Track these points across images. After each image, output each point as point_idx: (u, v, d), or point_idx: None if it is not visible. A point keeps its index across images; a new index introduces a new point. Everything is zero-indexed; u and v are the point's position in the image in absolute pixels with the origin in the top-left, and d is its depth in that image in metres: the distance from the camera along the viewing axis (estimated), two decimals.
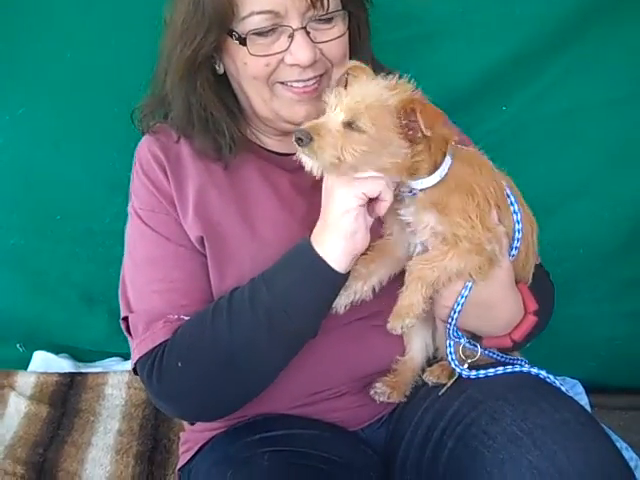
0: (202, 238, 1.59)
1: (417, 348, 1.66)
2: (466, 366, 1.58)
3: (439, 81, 2.05)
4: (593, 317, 2.44)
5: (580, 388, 2.43)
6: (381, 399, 1.63)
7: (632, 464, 2.07)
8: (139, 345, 1.55)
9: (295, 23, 1.51)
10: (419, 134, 1.34)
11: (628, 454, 2.14)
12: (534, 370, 1.58)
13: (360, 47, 1.68)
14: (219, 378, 1.52)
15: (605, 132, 2.21)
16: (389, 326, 1.45)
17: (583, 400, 2.37)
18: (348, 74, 1.45)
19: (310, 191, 1.64)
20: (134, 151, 1.72)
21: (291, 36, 1.52)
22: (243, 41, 1.52)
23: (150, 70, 1.68)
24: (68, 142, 2.25)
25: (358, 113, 1.33)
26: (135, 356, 1.57)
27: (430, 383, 1.63)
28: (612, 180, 2.25)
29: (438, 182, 1.41)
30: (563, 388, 1.56)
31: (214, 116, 1.63)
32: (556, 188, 2.24)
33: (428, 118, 1.31)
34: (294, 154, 1.66)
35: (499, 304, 1.53)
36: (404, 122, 1.34)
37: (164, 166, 1.65)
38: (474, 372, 1.57)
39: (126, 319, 1.61)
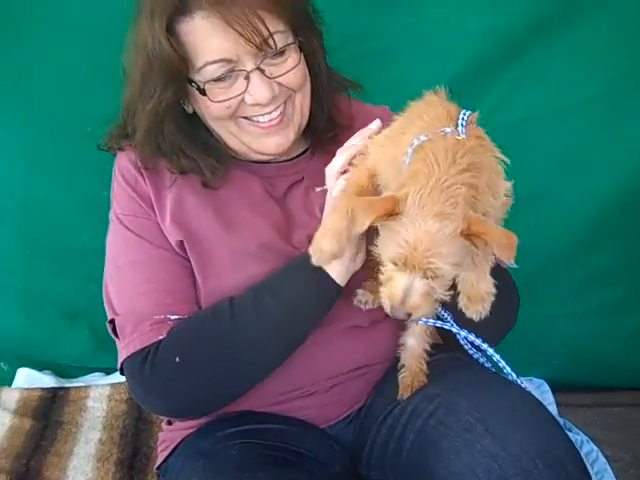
0: (182, 242, 1.64)
1: None
2: None
3: (394, 95, 2.10)
4: (555, 316, 2.51)
5: (546, 387, 2.51)
6: (367, 306, 1.64)
7: (593, 455, 2.17)
8: (127, 345, 1.59)
9: (249, 65, 1.54)
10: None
11: (589, 446, 2.21)
12: (489, 352, 1.59)
13: (318, 69, 1.71)
14: (216, 375, 1.58)
15: (558, 138, 2.29)
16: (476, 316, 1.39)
17: (549, 399, 2.45)
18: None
19: (282, 198, 1.73)
20: (109, 169, 1.77)
21: (247, 78, 1.55)
22: (202, 91, 1.56)
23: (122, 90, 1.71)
24: (42, 162, 2.28)
25: (433, 268, 1.24)
26: (123, 355, 1.60)
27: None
28: (567, 184, 2.33)
29: None
30: (515, 377, 1.60)
31: (189, 157, 1.67)
32: (515, 195, 2.29)
33: (504, 249, 1.25)
34: (266, 162, 1.73)
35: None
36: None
37: (142, 174, 1.69)
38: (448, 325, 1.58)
39: (112, 322, 1.64)
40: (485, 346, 1.58)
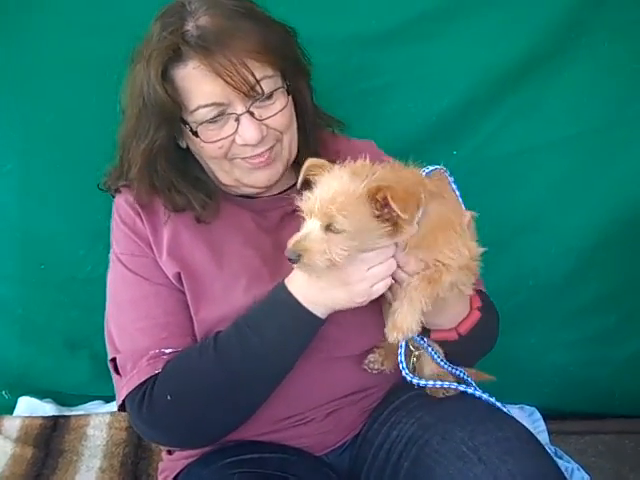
0: (179, 274, 1.69)
1: None
2: (414, 359, 1.68)
3: (393, 129, 2.20)
4: (546, 345, 2.55)
5: (538, 415, 2.55)
6: (375, 367, 1.73)
7: None
8: (128, 382, 1.64)
9: (239, 109, 1.62)
10: (396, 215, 1.38)
11: (579, 474, 2.26)
12: (478, 392, 1.69)
13: (305, 107, 1.79)
14: (206, 409, 1.63)
15: (548, 172, 2.36)
16: (390, 340, 1.50)
17: (541, 426, 2.50)
18: (310, 174, 1.51)
19: (273, 230, 1.78)
20: (112, 200, 1.83)
21: (237, 120, 1.63)
22: (195, 133, 1.64)
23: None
24: (51, 195, 2.33)
25: (332, 216, 1.38)
26: (123, 392, 1.65)
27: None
28: (557, 216, 2.39)
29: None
30: (505, 409, 1.68)
31: (181, 192, 1.73)
32: (505, 226, 2.36)
33: (401, 202, 1.35)
34: (254, 197, 1.79)
35: (453, 299, 1.59)
36: (378, 212, 1.39)
37: (140, 213, 1.75)
38: (416, 380, 1.65)
39: (113, 360, 1.69)
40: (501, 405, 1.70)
